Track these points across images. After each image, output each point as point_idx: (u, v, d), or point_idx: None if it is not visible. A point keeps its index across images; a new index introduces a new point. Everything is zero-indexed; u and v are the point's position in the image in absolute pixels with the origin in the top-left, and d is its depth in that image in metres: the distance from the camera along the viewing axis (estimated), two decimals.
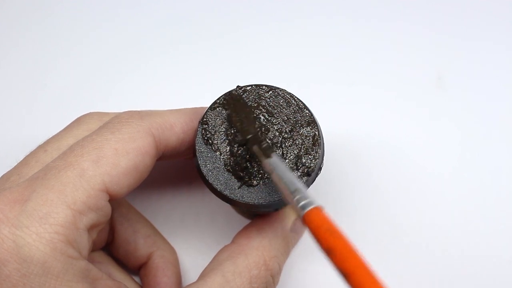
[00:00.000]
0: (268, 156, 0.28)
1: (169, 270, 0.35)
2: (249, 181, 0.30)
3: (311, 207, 0.24)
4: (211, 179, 0.30)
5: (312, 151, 0.31)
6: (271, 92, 0.32)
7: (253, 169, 0.30)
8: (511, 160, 0.39)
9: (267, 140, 0.30)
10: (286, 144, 0.31)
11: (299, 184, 0.26)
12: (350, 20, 0.43)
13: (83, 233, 0.27)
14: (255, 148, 0.29)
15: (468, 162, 0.39)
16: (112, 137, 0.29)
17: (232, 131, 0.31)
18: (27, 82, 0.42)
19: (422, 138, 0.40)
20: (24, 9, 0.44)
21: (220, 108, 0.31)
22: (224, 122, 0.31)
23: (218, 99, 0.32)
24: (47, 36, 0.43)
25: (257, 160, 0.30)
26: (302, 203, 0.24)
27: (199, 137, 0.31)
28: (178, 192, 0.39)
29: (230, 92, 0.32)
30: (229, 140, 0.31)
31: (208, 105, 0.32)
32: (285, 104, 0.31)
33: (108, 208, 0.28)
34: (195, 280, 0.31)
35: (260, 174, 0.30)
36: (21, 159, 0.31)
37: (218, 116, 0.31)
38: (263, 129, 0.31)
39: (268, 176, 0.30)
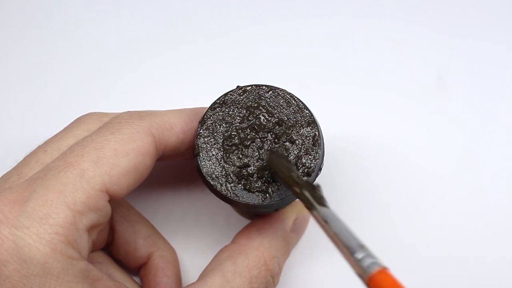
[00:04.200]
0: (322, 205, 0.26)
1: (169, 270, 0.35)
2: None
3: (378, 267, 0.22)
4: (211, 179, 0.30)
5: (312, 151, 0.31)
6: (271, 92, 0.32)
7: (253, 170, 0.30)
8: None
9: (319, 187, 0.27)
10: None
11: (360, 240, 0.24)
12: (350, 20, 0.43)
13: (83, 233, 0.27)
14: (305, 193, 0.27)
15: (468, 163, 0.39)
16: (112, 138, 0.29)
17: (233, 135, 0.31)
18: (27, 82, 0.42)
19: (422, 138, 0.40)
20: (24, 9, 0.44)
21: (220, 108, 0.31)
22: (224, 122, 0.31)
23: (218, 99, 0.32)
24: (47, 36, 0.43)
25: (305, 204, 0.27)
26: (367, 262, 0.22)
27: (198, 138, 0.31)
28: (178, 192, 0.39)
29: (271, 151, 0.30)
30: (228, 140, 0.31)
31: (208, 105, 0.32)
32: (285, 104, 0.31)
33: (108, 208, 0.28)
34: (195, 280, 0.31)
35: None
36: (21, 159, 0.31)
37: (217, 116, 0.31)
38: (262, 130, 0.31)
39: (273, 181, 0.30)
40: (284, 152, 0.31)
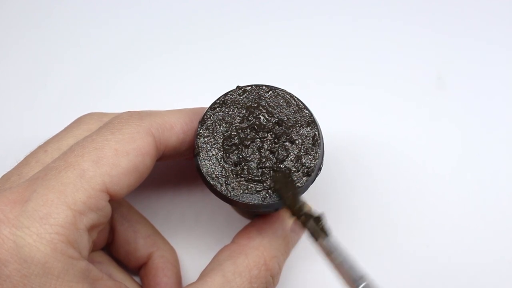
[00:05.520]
0: (327, 235, 0.27)
1: (169, 270, 0.36)
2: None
3: None
4: (211, 179, 0.30)
5: (312, 151, 0.31)
6: (271, 92, 0.32)
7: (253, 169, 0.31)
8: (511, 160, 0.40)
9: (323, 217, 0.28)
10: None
11: (362, 270, 0.25)
12: (350, 20, 0.43)
13: (83, 233, 0.27)
14: (310, 224, 0.27)
15: (468, 163, 0.39)
16: (112, 138, 0.29)
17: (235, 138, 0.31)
18: (27, 82, 0.42)
19: (422, 138, 0.40)
20: (24, 9, 0.44)
21: (220, 108, 0.31)
22: (224, 122, 0.31)
23: (218, 99, 0.32)
24: (47, 36, 0.43)
25: (311, 236, 0.28)
26: None
27: (198, 138, 0.31)
28: (178, 192, 0.39)
29: (280, 173, 0.30)
30: (228, 140, 0.31)
31: (208, 105, 0.32)
32: (285, 104, 0.31)
33: (108, 208, 0.28)
34: (195, 280, 0.31)
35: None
36: (21, 159, 0.31)
37: (217, 116, 0.31)
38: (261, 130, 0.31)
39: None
40: (284, 152, 0.31)
